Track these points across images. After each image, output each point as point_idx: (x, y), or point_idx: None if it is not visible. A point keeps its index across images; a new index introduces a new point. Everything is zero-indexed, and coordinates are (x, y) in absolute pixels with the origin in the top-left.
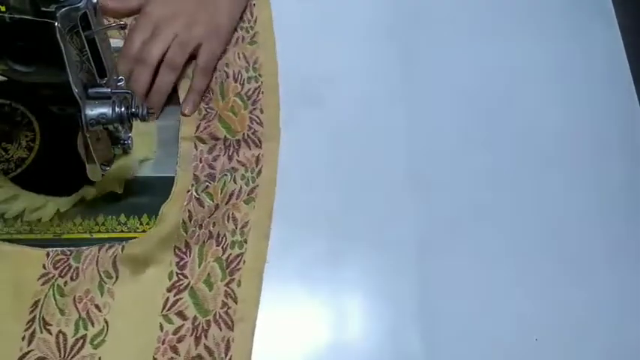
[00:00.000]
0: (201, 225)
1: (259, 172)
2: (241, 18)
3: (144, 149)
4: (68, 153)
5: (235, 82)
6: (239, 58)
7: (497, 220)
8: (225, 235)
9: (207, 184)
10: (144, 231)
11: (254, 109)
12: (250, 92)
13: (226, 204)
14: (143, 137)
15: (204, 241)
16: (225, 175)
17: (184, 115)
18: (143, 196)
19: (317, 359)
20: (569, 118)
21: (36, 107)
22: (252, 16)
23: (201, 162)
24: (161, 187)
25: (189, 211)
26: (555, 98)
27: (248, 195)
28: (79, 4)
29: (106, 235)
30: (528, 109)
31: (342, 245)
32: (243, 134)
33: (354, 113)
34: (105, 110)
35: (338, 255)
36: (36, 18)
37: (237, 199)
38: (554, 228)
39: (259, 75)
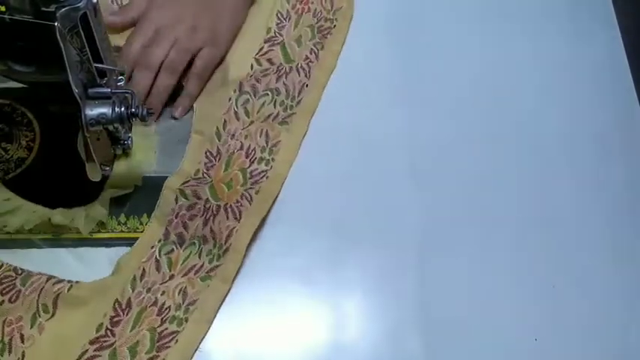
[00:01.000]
0: (149, 289)
1: (225, 250)
2: (287, 93)
3: (144, 158)
4: (68, 153)
5: (246, 157)
6: (260, 135)
7: (498, 221)
8: (169, 306)
9: (172, 247)
10: (144, 231)
11: (251, 189)
12: (255, 173)
13: (182, 276)
14: (143, 148)
15: (146, 306)
16: (194, 243)
17: (174, 118)
18: (143, 196)
19: (317, 359)
20: (569, 119)
21: (36, 107)
22: (297, 95)
23: (177, 217)
24: (161, 187)
25: (144, 269)
26: (556, 99)
27: (207, 273)
28: (79, 4)
29: (106, 235)
30: (529, 109)
31: (342, 245)
32: (227, 204)
33: (354, 113)
34: (105, 110)
35: (338, 255)
36: (36, 18)
37: (194, 274)
38: (555, 228)
39: (272, 159)
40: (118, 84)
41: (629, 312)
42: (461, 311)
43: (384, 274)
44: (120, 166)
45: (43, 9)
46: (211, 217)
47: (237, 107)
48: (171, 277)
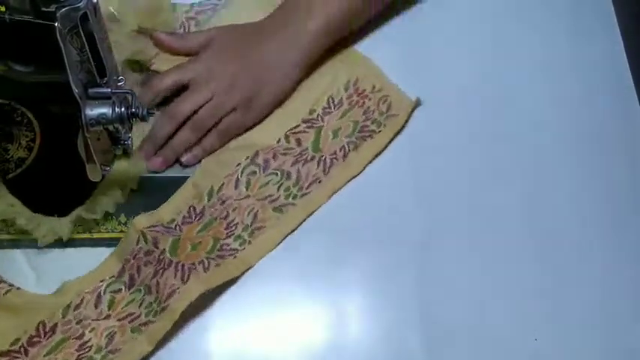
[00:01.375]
0: (80, 321)
1: (163, 308)
2: (297, 181)
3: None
4: (68, 153)
5: (225, 229)
6: (249, 213)
7: (498, 221)
8: (91, 346)
9: (121, 287)
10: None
11: (213, 260)
12: (226, 248)
13: (117, 320)
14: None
15: (69, 337)
16: (140, 290)
17: (180, 163)
18: (143, 196)
19: (317, 359)
20: (569, 119)
21: (36, 107)
22: (306, 187)
23: (134, 259)
24: (161, 187)
25: (82, 300)
26: (556, 98)
27: (139, 325)
28: (79, 5)
29: (106, 235)
30: (529, 109)
31: (342, 245)
32: (180, 262)
33: None
34: (105, 110)
35: (338, 255)
36: (36, 18)
37: (129, 322)
38: (555, 228)
39: (249, 242)
40: (118, 84)
41: (630, 312)
42: (461, 311)
43: (384, 274)
44: (120, 167)
45: (43, 9)
46: (161, 270)
47: (241, 175)
48: (107, 316)
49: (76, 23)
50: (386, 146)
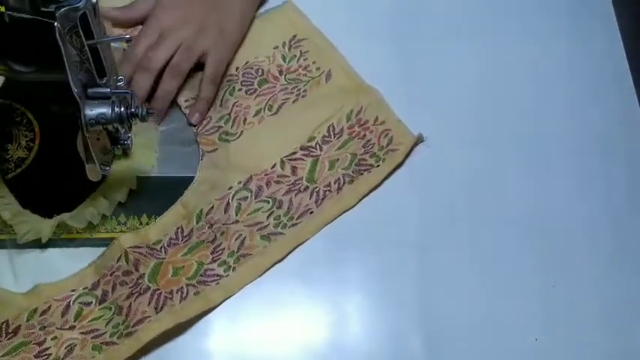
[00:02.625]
0: (44, 327)
1: (128, 333)
2: (288, 210)
3: (144, 160)
4: (68, 153)
5: (211, 253)
6: (237, 239)
7: (498, 221)
8: (50, 354)
9: (92, 300)
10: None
11: (193, 287)
12: (210, 274)
13: (81, 333)
14: (143, 149)
15: (29, 342)
16: (110, 308)
17: (191, 124)
18: (143, 196)
19: (317, 359)
20: (569, 119)
21: (36, 107)
22: (296, 217)
23: (111, 275)
24: (161, 187)
25: (50, 307)
26: (556, 99)
27: (101, 343)
28: (79, 5)
29: (106, 235)
30: (529, 109)
31: (341, 245)
32: (158, 289)
33: None
34: (104, 110)
35: (338, 255)
36: (35, 18)
37: (92, 338)
38: (555, 228)
39: (233, 269)
40: (118, 84)
41: (630, 312)
42: (461, 311)
43: (384, 274)
44: (119, 167)
45: (43, 9)
46: (136, 294)
47: (232, 199)
48: (72, 327)
49: (76, 23)
50: (382, 181)
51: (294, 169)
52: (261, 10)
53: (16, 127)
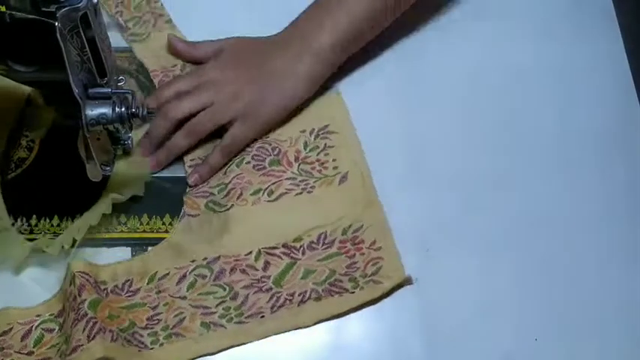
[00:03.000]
0: (2, 349)
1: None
2: (240, 305)
3: (134, 187)
4: (68, 153)
5: (148, 320)
6: (176, 315)
7: (498, 220)
8: None
9: (56, 327)
10: (144, 231)
11: (122, 344)
12: (136, 339)
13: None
14: (135, 177)
15: None
16: (62, 336)
17: (188, 184)
18: (143, 196)
19: (317, 359)
20: (569, 119)
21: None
22: (245, 316)
23: (67, 301)
24: (162, 187)
25: (11, 328)
26: (556, 98)
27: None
28: (80, 5)
29: (106, 235)
30: (528, 109)
31: None
32: (94, 318)
33: (353, 113)
34: (105, 110)
35: None
36: (37, 18)
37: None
38: (555, 228)
39: (161, 345)
40: (119, 84)
41: (629, 312)
42: (461, 311)
43: None
44: (120, 168)
45: (44, 9)
46: (76, 321)
47: (189, 273)
48: (30, 353)
49: (77, 23)
50: (349, 312)
51: (266, 265)
52: None
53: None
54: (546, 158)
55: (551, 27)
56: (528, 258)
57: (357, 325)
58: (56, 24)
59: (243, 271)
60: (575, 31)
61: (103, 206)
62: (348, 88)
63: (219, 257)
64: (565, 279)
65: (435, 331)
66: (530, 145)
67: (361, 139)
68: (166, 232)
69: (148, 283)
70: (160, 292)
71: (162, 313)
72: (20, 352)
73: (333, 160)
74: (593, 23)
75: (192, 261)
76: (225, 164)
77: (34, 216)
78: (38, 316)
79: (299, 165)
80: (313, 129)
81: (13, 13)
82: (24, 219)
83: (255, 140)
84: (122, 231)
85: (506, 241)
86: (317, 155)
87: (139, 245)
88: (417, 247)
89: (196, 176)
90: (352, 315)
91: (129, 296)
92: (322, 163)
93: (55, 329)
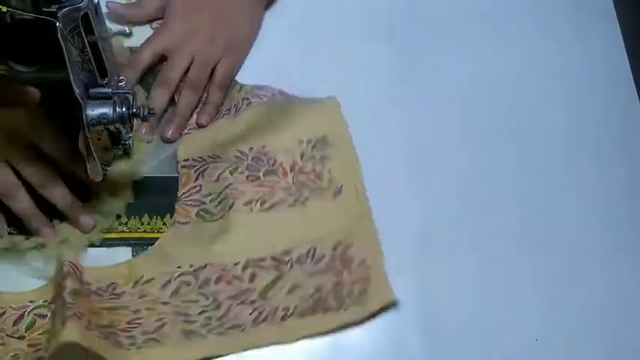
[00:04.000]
0: None
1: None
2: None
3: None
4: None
5: (122, 330)
6: (155, 321)
7: (498, 221)
8: None
9: (47, 314)
10: (144, 231)
11: (98, 336)
12: (110, 340)
13: (28, 346)
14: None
15: None
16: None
17: (200, 125)
18: (143, 196)
19: (317, 359)
20: (570, 118)
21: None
22: (226, 325)
23: (60, 289)
24: (162, 187)
25: (4, 312)
26: (556, 98)
27: (38, 358)
28: (81, 5)
29: (106, 235)
30: (529, 109)
31: None
32: (69, 304)
33: (353, 113)
34: (106, 110)
35: None
36: (37, 18)
37: (34, 352)
38: (555, 228)
39: (137, 347)
40: (119, 84)
41: (630, 312)
42: (461, 311)
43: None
44: (119, 168)
45: (45, 9)
46: (61, 310)
47: (174, 279)
48: (21, 337)
49: (78, 23)
50: (332, 331)
51: (252, 277)
52: (305, 95)
53: None
54: (546, 158)
55: (551, 27)
56: (528, 258)
57: (356, 325)
58: (57, 24)
59: (229, 282)
60: (575, 31)
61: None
62: (349, 87)
63: (205, 265)
64: (565, 279)
65: (435, 331)
66: (530, 145)
67: (361, 138)
68: None
69: (132, 287)
70: (143, 296)
71: (142, 317)
72: (12, 336)
73: (329, 172)
74: (593, 23)
75: (179, 267)
76: (217, 169)
77: None
78: (31, 302)
79: (294, 175)
80: (310, 139)
81: (14, 13)
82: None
83: (251, 148)
84: (122, 231)
85: (506, 241)
86: (313, 165)
87: (139, 245)
88: (417, 247)
89: (206, 116)
90: None
91: (111, 299)
92: (317, 175)
93: (47, 315)
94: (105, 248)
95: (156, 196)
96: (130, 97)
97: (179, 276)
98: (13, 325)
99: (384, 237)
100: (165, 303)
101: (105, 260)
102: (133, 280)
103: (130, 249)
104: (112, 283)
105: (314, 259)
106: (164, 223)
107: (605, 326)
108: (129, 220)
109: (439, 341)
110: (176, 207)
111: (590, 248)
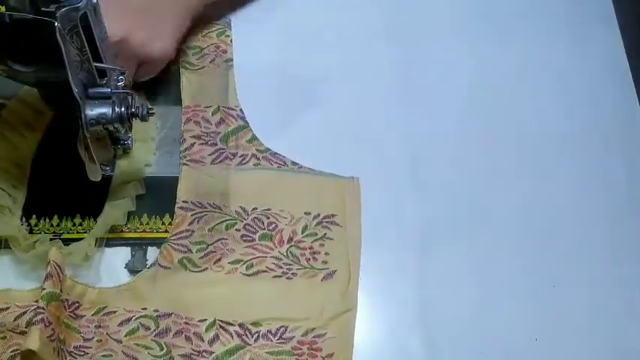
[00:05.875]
0: None
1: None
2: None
3: (144, 155)
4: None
5: (68, 354)
6: (103, 357)
7: (497, 221)
8: None
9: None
10: (144, 231)
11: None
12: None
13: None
14: (143, 144)
15: None
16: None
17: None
18: (144, 196)
19: None
20: (570, 119)
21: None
22: None
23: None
24: (162, 187)
25: (8, 307)
26: (555, 98)
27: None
28: (79, 5)
29: (106, 235)
30: (529, 109)
31: None
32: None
33: (353, 113)
34: (105, 110)
35: None
36: (36, 18)
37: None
38: (555, 228)
39: None
40: (118, 84)
41: (629, 312)
42: (461, 311)
43: (384, 274)
44: (121, 168)
45: (43, 9)
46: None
47: (135, 319)
48: (22, 333)
49: (76, 23)
50: None
51: (214, 339)
52: (329, 170)
53: None
54: (546, 158)
55: (551, 27)
56: (528, 258)
57: (357, 325)
58: (56, 24)
59: (188, 339)
60: (575, 31)
61: (128, 204)
62: (349, 87)
63: (171, 314)
64: (565, 279)
65: (435, 330)
66: (530, 146)
67: (362, 138)
68: (166, 232)
69: (92, 315)
70: (99, 326)
71: (91, 347)
72: (13, 331)
73: (326, 254)
74: (593, 23)
75: (144, 308)
76: (214, 219)
77: (34, 216)
78: (36, 301)
79: (289, 247)
80: (318, 214)
81: (13, 13)
82: (23, 218)
83: (254, 208)
84: (122, 231)
85: (506, 241)
86: (311, 242)
87: (138, 245)
88: (417, 247)
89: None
90: None
91: (70, 316)
92: (313, 253)
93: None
94: (105, 248)
95: (155, 196)
96: (129, 97)
97: (140, 317)
98: (14, 320)
99: (384, 237)
100: (118, 341)
101: (105, 260)
102: (95, 307)
103: (129, 249)
104: (77, 302)
105: (282, 338)
106: (163, 223)
107: (605, 326)
108: (128, 220)
109: (439, 341)
110: (161, 248)
111: (590, 248)
